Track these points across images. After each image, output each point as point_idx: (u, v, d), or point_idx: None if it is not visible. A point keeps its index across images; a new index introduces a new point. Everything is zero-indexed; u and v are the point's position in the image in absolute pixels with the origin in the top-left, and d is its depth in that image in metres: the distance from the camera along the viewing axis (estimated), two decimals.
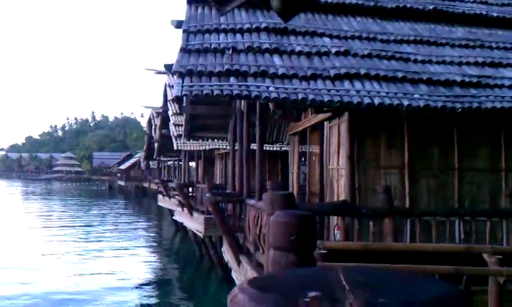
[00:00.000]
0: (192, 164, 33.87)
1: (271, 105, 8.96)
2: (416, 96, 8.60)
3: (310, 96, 8.28)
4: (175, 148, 23.51)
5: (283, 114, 9.08)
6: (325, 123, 11.42)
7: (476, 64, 9.82)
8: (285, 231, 2.87)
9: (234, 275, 11.57)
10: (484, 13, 11.96)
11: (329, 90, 8.56)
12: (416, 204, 9.74)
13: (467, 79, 9.14)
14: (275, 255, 2.96)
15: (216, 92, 8.11)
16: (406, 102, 8.37)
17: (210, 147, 22.60)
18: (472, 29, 11.61)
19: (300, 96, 8.27)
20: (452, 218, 8.20)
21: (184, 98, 8.96)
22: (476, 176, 10.02)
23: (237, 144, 14.57)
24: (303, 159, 15.29)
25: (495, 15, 11.92)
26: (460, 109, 8.43)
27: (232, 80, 8.43)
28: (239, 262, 10.92)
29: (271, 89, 8.36)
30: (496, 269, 3.18)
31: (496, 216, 8.21)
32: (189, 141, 20.56)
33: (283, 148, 21.08)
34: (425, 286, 0.80)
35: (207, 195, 12.05)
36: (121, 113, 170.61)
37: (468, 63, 9.82)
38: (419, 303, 0.73)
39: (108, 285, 17.68)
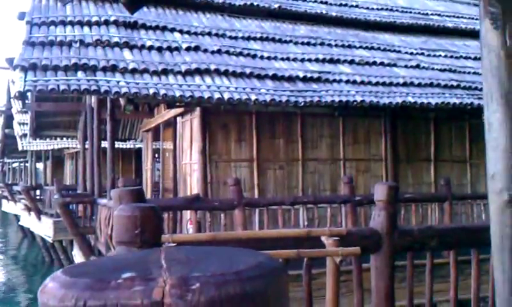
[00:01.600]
0: (40, 165, 31.98)
1: (122, 101, 8.77)
2: (263, 91, 8.95)
3: (162, 91, 8.25)
4: (20, 148, 22.01)
5: (135, 109, 8.95)
6: (178, 118, 11.46)
7: (317, 60, 10.46)
8: (128, 225, 2.84)
9: None
10: (324, 12, 12.75)
11: (180, 85, 8.59)
12: (265, 195, 10.18)
13: (309, 75, 9.71)
14: (119, 250, 2.93)
15: (62, 87, 7.74)
16: (253, 97, 8.68)
17: (59, 146, 21.48)
18: (314, 27, 12.33)
19: (151, 91, 8.19)
20: (297, 206, 8.70)
21: (28, 94, 8.42)
22: (318, 166, 10.72)
23: (87, 142, 14.04)
24: (156, 156, 15.17)
25: (334, 14, 12.77)
26: (303, 103, 8.93)
27: (80, 74, 8.12)
28: None
29: (122, 84, 8.19)
30: (333, 250, 3.43)
31: (335, 202, 8.84)
32: (35, 140, 19.36)
33: (137, 145, 20.74)
34: (243, 258, 0.85)
35: (55, 197, 11.46)
36: None
37: (309, 60, 10.43)
38: (233, 273, 0.77)
39: None
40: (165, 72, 8.76)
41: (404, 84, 10.28)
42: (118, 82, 8.14)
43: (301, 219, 8.79)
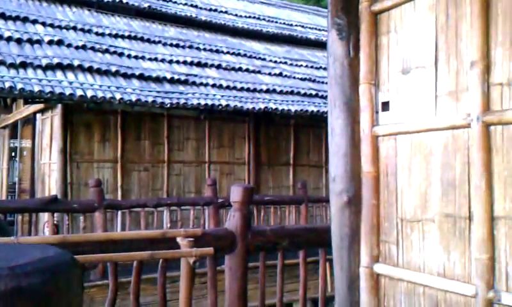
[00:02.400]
0: None
1: None
2: (128, 90, 8.83)
3: (19, 86, 7.82)
4: None
5: None
6: (37, 115, 10.89)
7: (185, 63, 10.55)
8: None
9: None
10: (194, 16, 12.88)
11: (40, 80, 8.20)
12: (129, 197, 10.03)
13: (176, 76, 9.76)
14: None
15: None
16: (118, 96, 8.53)
17: None
18: (183, 30, 12.40)
19: (7, 85, 7.73)
20: (161, 208, 8.67)
21: None
22: (183, 168, 10.78)
23: None
24: (13, 155, 14.26)
25: (203, 18, 12.95)
26: (169, 105, 8.96)
27: None
28: None
29: None
30: (186, 251, 3.50)
31: (199, 204, 8.95)
32: None
33: None
34: (30, 253, 0.83)
35: None
36: None
37: (178, 61, 10.48)
38: (6, 268, 0.75)
39: None
40: (24, 65, 8.31)
41: (267, 91, 10.70)
42: None
43: (164, 221, 8.78)
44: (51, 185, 9.99)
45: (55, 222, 8.82)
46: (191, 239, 3.72)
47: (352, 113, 2.94)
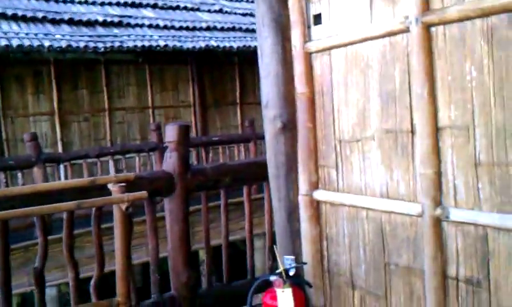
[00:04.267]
0: None
1: None
2: (58, 36, 8.27)
3: None
4: None
5: None
6: None
7: (118, 4, 9.96)
8: None
9: None
10: None
11: None
12: (70, 149, 9.59)
13: (109, 19, 9.21)
14: None
15: None
16: (47, 43, 7.97)
17: None
18: None
19: None
20: (104, 158, 8.30)
21: None
22: (126, 115, 10.36)
23: None
24: None
25: None
26: (103, 49, 8.46)
27: None
28: None
29: None
30: (118, 197, 3.22)
31: (144, 151, 8.63)
32: None
33: None
34: None
35: None
36: None
37: (110, 3, 9.89)
38: None
39: None
40: None
41: (208, 29, 10.28)
42: None
43: (110, 171, 8.41)
44: None
45: None
46: (123, 184, 3.44)
47: (282, 30, 2.68)
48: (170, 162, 3.95)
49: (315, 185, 2.59)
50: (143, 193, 3.42)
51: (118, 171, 8.37)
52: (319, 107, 2.59)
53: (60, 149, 9.54)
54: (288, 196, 2.62)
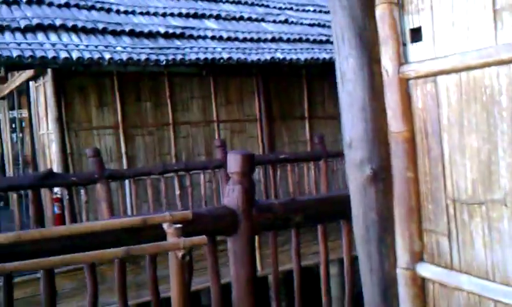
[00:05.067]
0: None
1: None
2: (119, 48, 8.02)
3: None
4: None
5: None
6: (30, 83, 10.17)
7: (180, 15, 9.63)
8: None
9: None
10: None
11: (19, 44, 7.42)
12: (135, 164, 9.36)
13: (171, 30, 8.88)
14: None
15: None
16: (107, 55, 7.73)
17: None
18: None
19: None
20: (169, 174, 7.99)
21: None
22: (190, 129, 10.03)
23: None
24: (13, 126, 13.67)
25: None
26: (164, 61, 8.14)
27: None
28: None
29: None
30: (172, 243, 2.76)
31: (208, 168, 8.24)
32: None
33: None
34: None
35: None
36: None
37: (172, 14, 9.57)
38: None
39: None
40: (1, 29, 7.53)
41: (273, 40, 9.80)
42: None
43: (175, 187, 8.07)
44: (52, 156, 9.34)
45: (58, 196, 8.24)
46: (179, 226, 2.98)
47: (368, 49, 2.09)
48: (233, 196, 3.47)
49: (418, 256, 1.96)
50: (202, 238, 2.94)
51: (182, 188, 8.01)
52: (422, 151, 1.99)
53: (125, 163, 9.32)
54: (382, 267, 2.02)
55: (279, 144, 10.90)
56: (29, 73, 9.42)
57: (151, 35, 8.64)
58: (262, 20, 10.47)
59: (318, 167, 9.19)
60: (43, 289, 3.08)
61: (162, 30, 8.76)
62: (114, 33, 8.36)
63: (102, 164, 7.36)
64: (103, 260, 3.16)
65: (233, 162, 3.47)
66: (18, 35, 7.59)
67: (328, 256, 3.73)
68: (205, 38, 9.11)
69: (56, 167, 8.75)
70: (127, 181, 7.98)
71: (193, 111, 10.08)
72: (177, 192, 7.93)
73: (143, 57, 7.96)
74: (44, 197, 8.13)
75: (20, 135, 13.17)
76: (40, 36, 7.72)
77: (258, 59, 8.90)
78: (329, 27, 11.15)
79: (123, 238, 3.12)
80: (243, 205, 3.41)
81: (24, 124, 12.57)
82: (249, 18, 10.32)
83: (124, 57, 7.78)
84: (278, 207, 3.59)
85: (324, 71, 11.05)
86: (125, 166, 9.26)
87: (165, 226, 3.02)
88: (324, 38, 10.38)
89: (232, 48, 8.94)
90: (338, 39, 2.20)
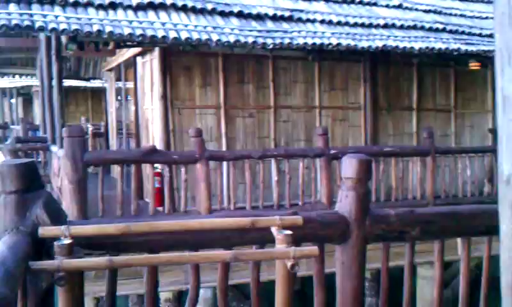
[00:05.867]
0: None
1: (63, 38, 7.68)
2: (226, 30, 7.90)
3: (108, 29, 7.17)
4: None
5: (80, 49, 7.84)
6: (138, 58, 10.37)
7: None
8: None
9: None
10: None
11: (130, 22, 7.50)
12: (234, 145, 9.31)
13: (280, 13, 8.64)
14: None
15: None
16: (215, 37, 7.64)
17: (18, 84, 19.88)
18: None
19: (95, 28, 7.11)
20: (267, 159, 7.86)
21: None
22: (291, 114, 9.81)
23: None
24: (119, 97, 14.10)
25: None
26: (271, 45, 7.92)
27: (12, 7, 7.01)
28: None
29: (61, 19, 7.08)
30: (282, 251, 2.56)
31: (308, 156, 8.00)
32: None
33: (105, 85, 19.52)
34: None
35: (6, 143, 10.46)
36: None
37: None
38: None
39: None
40: (113, 6, 7.65)
41: (385, 26, 9.28)
42: (57, 17, 7.03)
43: (272, 172, 7.94)
44: (154, 132, 9.50)
45: (158, 170, 8.36)
46: (289, 233, 2.77)
47: None
48: (346, 203, 3.20)
49: None
50: (314, 250, 2.71)
51: (280, 172, 7.84)
52: None
53: (224, 144, 9.30)
54: None
55: (383, 135, 10.42)
56: (137, 49, 9.58)
57: (259, 17, 8.45)
58: (375, 4, 9.95)
59: (424, 164, 8.68)
60: (146, 281, 3.00)
61: (270, 12, 8.53)
62: (223, 14, 8.26)
63: (203, 144, 7.37)
64: (209, 261, 3.03)
65: (349, 167, 3.19)
66: (130, 13, 7.67)
67: (442, 279, 3.40)
68: (313, 21, 8.78)
69: (158, 143, 8.89)
70: (225, 162, 7.94)
71: (295, 96, 9.84)
72: (275, 178, 7.78)
73: (250, 40, 7.79)
74: (145, 170, 8.32)
75: (125, 104, 13.57)
76: (151, 15, 7.76)
77: (369, 46, 8.45)
78: (445, 14, 10.44)
79: (229, 237, 2.97)
80: (356, 214, 3.15)
81: (129, 97, 12.94)
82: (361, 2, 9.84)
83: (231, 39, 7.65)
84: (395, 219, 3.28)
85: (437, 62, 10.41)
86: (224, 146, 9.26)
87: (274, 230, 2.82)
88: (440, 26, 9.70)
89: (341, 33, 8.56)
90: (504, 59, 1.85)
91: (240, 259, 2.65)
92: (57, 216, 2.63)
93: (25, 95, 26.92)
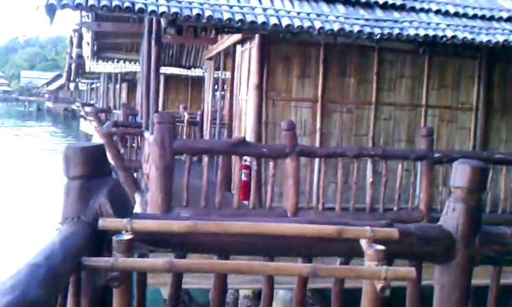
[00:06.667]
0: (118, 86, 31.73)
1: (162, 22, 7.57)
2: (331, 18, 7.42)
3: (207, 13, 6.96)
4: (87, 69, 21.39)
5: (178, 33, 7.70)
6: (237, 46, 10.16)
7: None
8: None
9: None
10: None
11: (231, 6, 7.25)
12: (328, 141, 8.82)
13: (391, 1, 8.00)
14: None
15: (90, 2, 6.65)
16: (318, 24, 7.19)
17: (118, 70, 20.50)
18: None
19: (194, 11, 6.93)
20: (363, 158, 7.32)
21: (60, 9, 7.35)
22: (394, 111, 9.14)
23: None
24: (216, 87, 14.02)
25: None
26: (379, 35, 7.33)
27: None
28: (134, 201, 9.77)
29: (161, 1, 6.97)
30: (372, 270, 2.12)
31: (408, 159, 7.36)
32: (97, 62, 18.57)
33: (204, 73, 19.70)
34: None
35: (103, 126, 10.68)
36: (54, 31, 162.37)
37: None
38: None
39: None
40: None
41: (508, 19, 8.33)
42: None
43: (367, 172, 7.40)
44: (247, 123, 9.23)
45: (247, 163, 8.10)
46: (382, 248, 2.31)
47: None
48: (453, 216, 2.69)
49: None
50: (410, 272, 2.23)
51: (376, 174, 7.30)
52: None
53: (317, 139, 8.84)
54: None
55: (494, 141, 9.48)
56: (237, 36, 9.35)
57: (367, 5, 7.89)
58: None
59: None
60: (213, 286, 2.66)
61: (380, 0, 7.92)
62: (329, 1, 7.79)
63: (295, 138, 6.98)
64: (283, 274, 2.63)
65: (460, 174, 2.66)
66: None
67: None
68: (428, 11, 8.07)
69: (250, 134, 8.61)
70: (317, 159, 7.50)
71: (400, 92, 9.16)
72: (370, 179, 7.22)
73: (356, 29, 7.26)
74: (233, 162, 8.07)
75: (222, 95, 13.48)
76: (253, 0, 7.45)
77: (488, 41, 7.61)
78: None
79: (310, 246, 2.56)
80: (465, 230, 2.64)
81: (226, 86, 12.81)
82: None
83: (335, 27, 7.17)
84: (511, 239, 2.71)
85: None
86: (317, 142, 8.81)
87: (363, 243, 2.36)
88: None
89: (458, 25, 7.78)
90: None
91: (321, 276, 2.22)
92: (122, 207, 2.35)
93: (131, 81, 27.92)
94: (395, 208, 7.33)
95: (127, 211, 2.39)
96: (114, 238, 2.11)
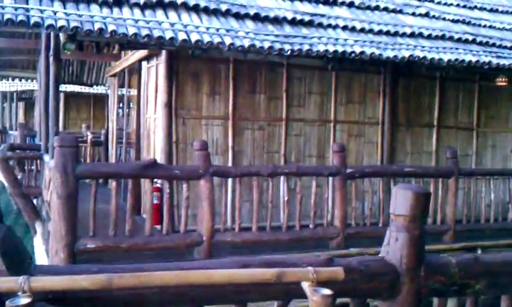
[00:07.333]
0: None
1: (61, 37, 7.02)
2: (241, 33, 7.23)
3: (110, 28, 6.51)
4: None
5: (79, 49, 7.18)
6: (143, 63, 9.72)
7: (309, 0, 8.66)
8: None
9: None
10: None
11: (136, 21, 6.85)
12: (241, 159, 8.64)
13: (299, 17, 7.96)
14: None
15: None
16: (228, 40, 6.97)
17: (19, 88, 19.22)
18: None
19: (97, 26, 6.46)
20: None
21: None
22: (304, 127, 9.15)
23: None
24: (121, 104, 13.44)
25: None
26: (289, 51, 7.24)
27: (8, 0, 6.37)
28: (35, 231, 9.01)
29: (60, 15, 6.44)
30: None
31: (322, 175, 7.34)
32: None
33: (108, 91, 18.92)
34: None
35: (0, 149, 9.81)
36: None
37: None
38: None
39: None
40: (118, 3, 7.00)
41: (412, 35, 8.59)
42: (55, 12, 6.38)
43: (281, 189, 7.30)
44: (156, 143, 8.82)
45: (158, 185, 7.72)
46: (328, 293, 2.09)
47: None
48: (396, 247, 2.55)
49: None
50: None
51: (290, 191, 7.22)
52: None
53: (230, 157, 8.63)
54: None
55: (400, 153, 9.76)
56: (143, 53, 8.95)
57: (276, 21, 7.78)
58: (400, 11, 9.26)
59: (447, 187, 8.03)
60: None
61: (289, 16, 7.85)
62: (238, 16, 7.58)
63: (209, 158, 6.72)
64: None
65: (401, 201, 2.52)
66: (137, 11, 7.02)
67: None
68: (335, 27, 8.11)
69: (159, 154, 8.24)
70: (230, 180, 7.31)
71: (309, 108, 9.19)
72: (285, 197, 7.13)
73: (266, 45, 7.12)
74: (143, 184, 7.65)
75: (127, 112, 12.92)
76: (159, 14, 7.11)
77: (395, 56, 7.77)
78: (474, 24, 9.76)
79: (245, 292, 2.29)
80: (409, 262, 2.51)
81: (131, 104, 12.27)
82: (386, 8, 9.13)
83: (246, 43, 6.98)
84: (455, 268, 2.61)
85: (461, 76, 9.74)
86: (230, 160, 8.62)
87: (306, 288, 2.14)
88: (469, 37, 9.01)
89: (365, 41, 7.88)
90: None
91: None
92: (18, 260, 1.96)
93: (28, 99, 26.33)
94: (311, 226, 7.25)
95: (23, 264, 2.00)
96: (7, 303, 1.71)
